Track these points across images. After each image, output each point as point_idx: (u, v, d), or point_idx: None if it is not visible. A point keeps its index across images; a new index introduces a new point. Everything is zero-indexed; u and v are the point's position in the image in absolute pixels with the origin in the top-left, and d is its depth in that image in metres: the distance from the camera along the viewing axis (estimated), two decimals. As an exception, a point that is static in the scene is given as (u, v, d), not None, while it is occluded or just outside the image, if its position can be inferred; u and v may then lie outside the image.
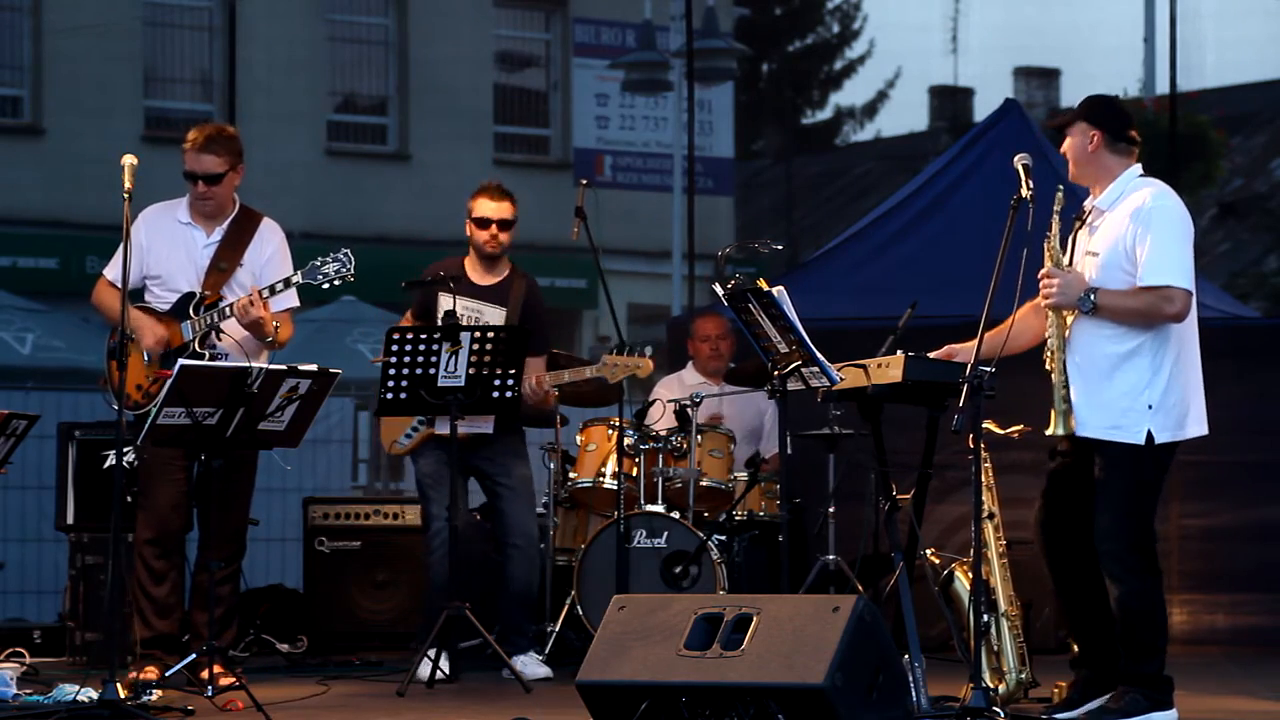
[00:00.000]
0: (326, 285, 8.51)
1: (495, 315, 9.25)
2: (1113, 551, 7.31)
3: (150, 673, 8.22)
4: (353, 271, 8.48)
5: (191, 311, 8.51)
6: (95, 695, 7.48)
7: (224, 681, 7.94)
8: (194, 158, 8.57)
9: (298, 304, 8.71)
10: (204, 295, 8.52)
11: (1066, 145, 7.53)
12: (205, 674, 7.79)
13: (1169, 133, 18.48)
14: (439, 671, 8.81)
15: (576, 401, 10.17)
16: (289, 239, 8.82)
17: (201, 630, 8.24)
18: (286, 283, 8.48)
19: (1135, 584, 7.30)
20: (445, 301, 9.15)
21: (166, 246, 8.60)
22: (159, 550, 8.44)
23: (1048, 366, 7.35)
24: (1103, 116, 7.48)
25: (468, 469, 9.28)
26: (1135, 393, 7.27)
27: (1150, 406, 7.27)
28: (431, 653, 8.94)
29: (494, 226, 9.29)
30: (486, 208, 9.31)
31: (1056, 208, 7.35)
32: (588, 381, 9.39)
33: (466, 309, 9.23)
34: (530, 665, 9.05)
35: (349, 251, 8.53)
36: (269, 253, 8.67)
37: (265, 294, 8.41)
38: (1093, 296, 7.25)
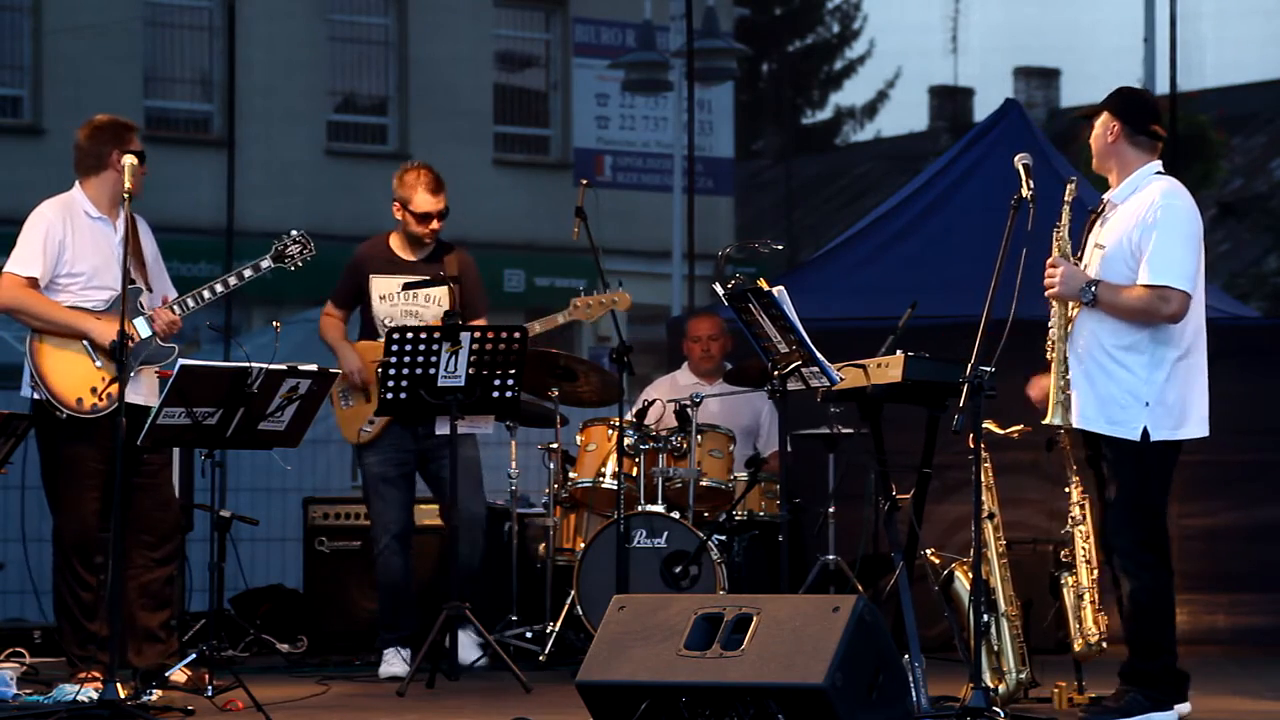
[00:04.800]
0: (293, 268, 8.45)
1: (439, 292, 9.23)
2: (1122, 547, 7.30)
3: (92, 679, 8.00)
4: (313, 249, 8.46)
5: (144, 305, 8.27)
6: (95, 695, 7.48)
7: (177, 678, 8.04)
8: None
9: None
10: (145, 289, 8.32)
11: (1091, 135, 7.51)
12: (206, 674, 7.82)
13: (1169, 133, 18.46)
14: (403, 665, 8.93)
15: (576, 401, 10.16)
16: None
17: (157, 632, 8.30)
18: (256, 268, 8.41)
19: (1146, 580, 7.30)
20: (380, 285, 9.17)
21: (87, 244, 8.31)
22: (85, 556, 8.30)
23: (1048, 356, 7.35)
24: (1125, 109, 7.47)
25: (418, 458, 9.26)
26: (1133, 388, 7.27)
27: (1148, 403, 7.26)
28: (405, 652, 8.98)
29: (434, 220, 9.28)
30: (427, 203, 9.25)
31: (1067, 198, 7.36)
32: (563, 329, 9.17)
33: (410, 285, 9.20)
34: (468, 647, 9.16)
35: (303, 230, 8.49)
36: (154, 243, 8.49)
37: (234, 282, 8.34)
38: (1093, 289, 7.26)
